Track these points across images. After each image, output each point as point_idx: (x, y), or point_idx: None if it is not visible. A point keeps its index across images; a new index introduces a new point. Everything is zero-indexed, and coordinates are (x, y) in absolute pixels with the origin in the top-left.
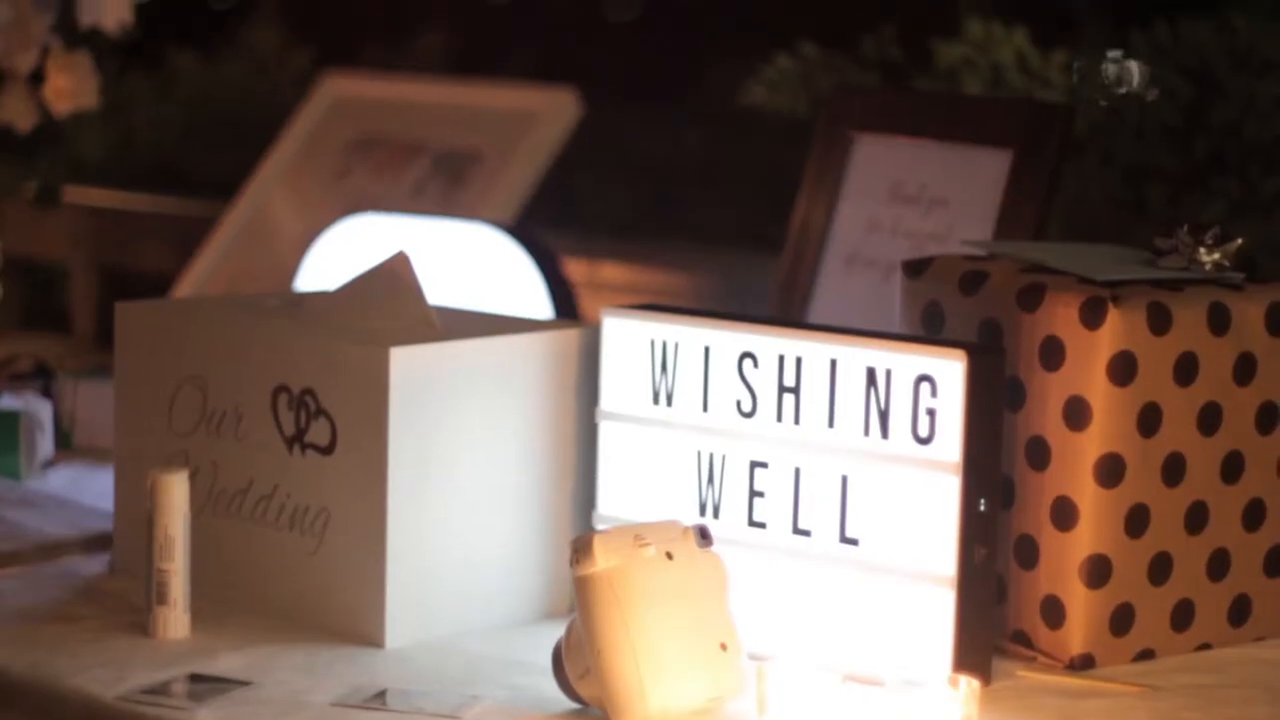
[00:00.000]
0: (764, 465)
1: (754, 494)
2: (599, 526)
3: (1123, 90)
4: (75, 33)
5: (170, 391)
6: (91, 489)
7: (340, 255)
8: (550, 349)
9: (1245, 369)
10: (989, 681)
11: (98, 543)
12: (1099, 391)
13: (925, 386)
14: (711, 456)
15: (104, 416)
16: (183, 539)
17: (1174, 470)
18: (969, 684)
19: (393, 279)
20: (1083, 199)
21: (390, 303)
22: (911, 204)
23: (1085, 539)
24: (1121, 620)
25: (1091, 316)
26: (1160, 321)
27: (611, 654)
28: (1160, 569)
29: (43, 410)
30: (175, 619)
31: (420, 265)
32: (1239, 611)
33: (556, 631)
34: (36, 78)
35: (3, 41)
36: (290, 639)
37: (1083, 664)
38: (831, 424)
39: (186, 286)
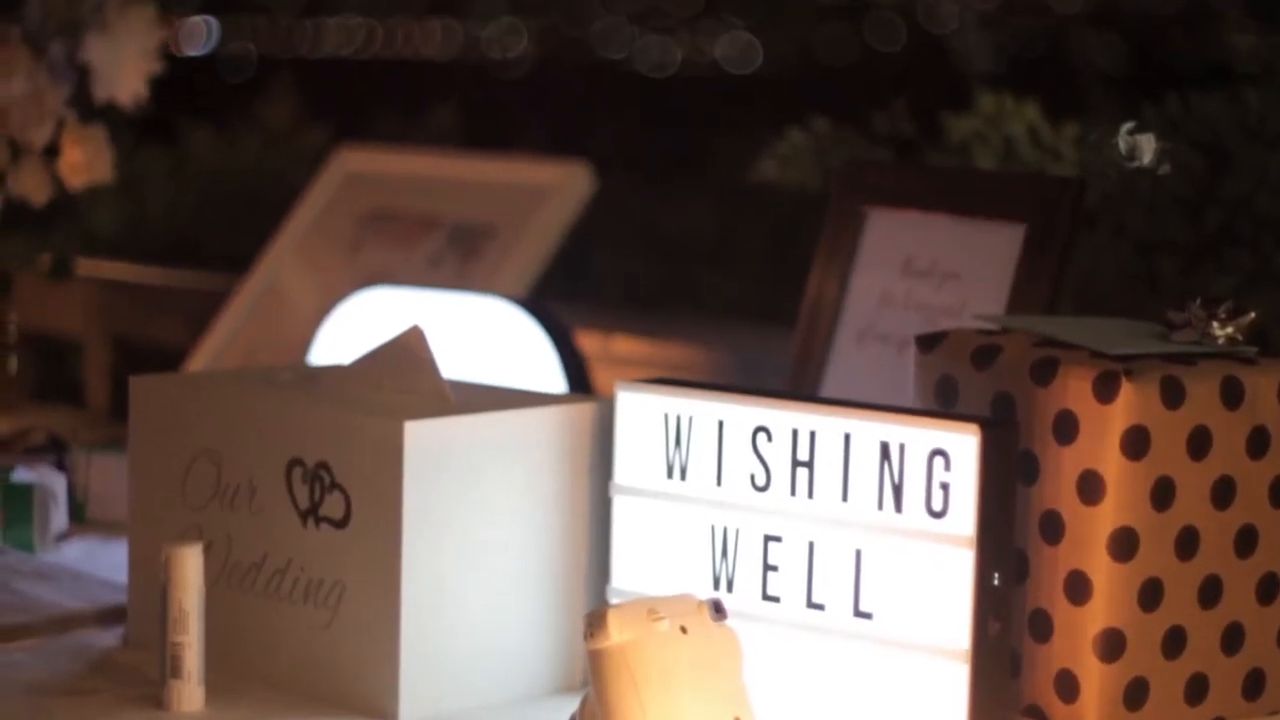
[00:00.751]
0: (778, 539)
1: (768, 568)
2: (613, 600)
3: (1135, 163)
4: (90, 107)
5: (184, 465)
6: (105, 562)
7: (354, 329)
8: (564, 423)
9: (1259, 443)
10: None
11: (111, 616)
12: (1112, 465)
13: (939, 460)
14: (725, 530)
15: (118, 489)
16: (197, 612)
17: (1188, 544)
18: None
19: (407, 353)
20: (1095, 272)
21: (405, 377)
22: (924, 278)
23: (1099, 613)
24: (1136, 694)
25: (1105, 390)
26: (1173, 395)
27: None
28: (1174, 643)
29: (57, 483)
30: (189, 692)
31: (434, 339)
32: (1254, 685)
33: (570, 705)
34: (51, 151)
35: (18, 115)
36: (304, 712)
37: None
38: (845, 498)
39: (200, 360)
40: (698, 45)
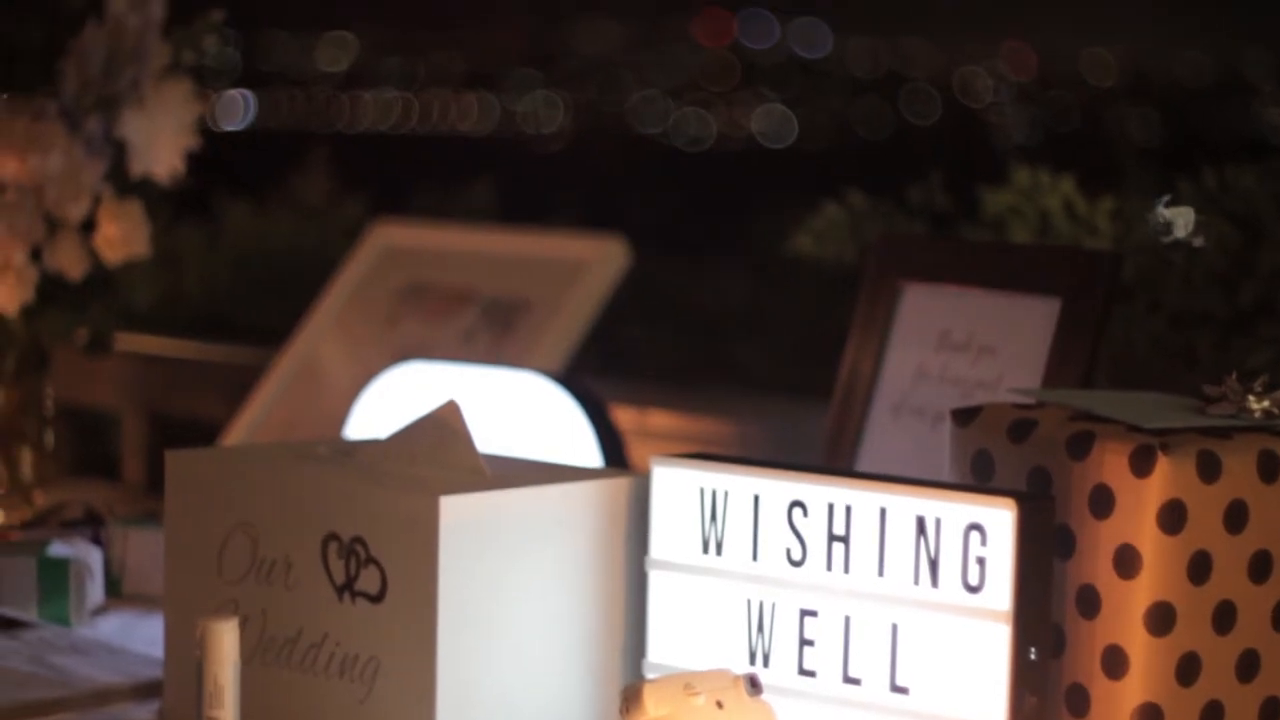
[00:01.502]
0: (814, 614)
1: (804, 642)
2: (649, 675)
3: (1170, 237)
4: (127, 181)
5: (220, 539)
6: (141, 636)
7: (390, 403)
8: (600, 497)
9: None
10: None
11: (147, 690)
12: (1149, 539)
13: (975, 535)
14: (761, 605)
15: (154, 563)
16: (232, 687)
17: (1225, 618)
18: None
19: (442, 428)
20: (1130, 346)
21: (440, 451)
22: (960, 352)
23: (1136, 688)
24: None
25: (1141, 465)
26: (1210, 469)
27: None
28: (1212, 717)
29: (93, 557)
30: None
31: (469, 414)
32: None
33: None
34: (88, 226)
35: (54, 190)
36: None
37: None
38: (881, 572)
39: (237, 434)
40: (734, 119)
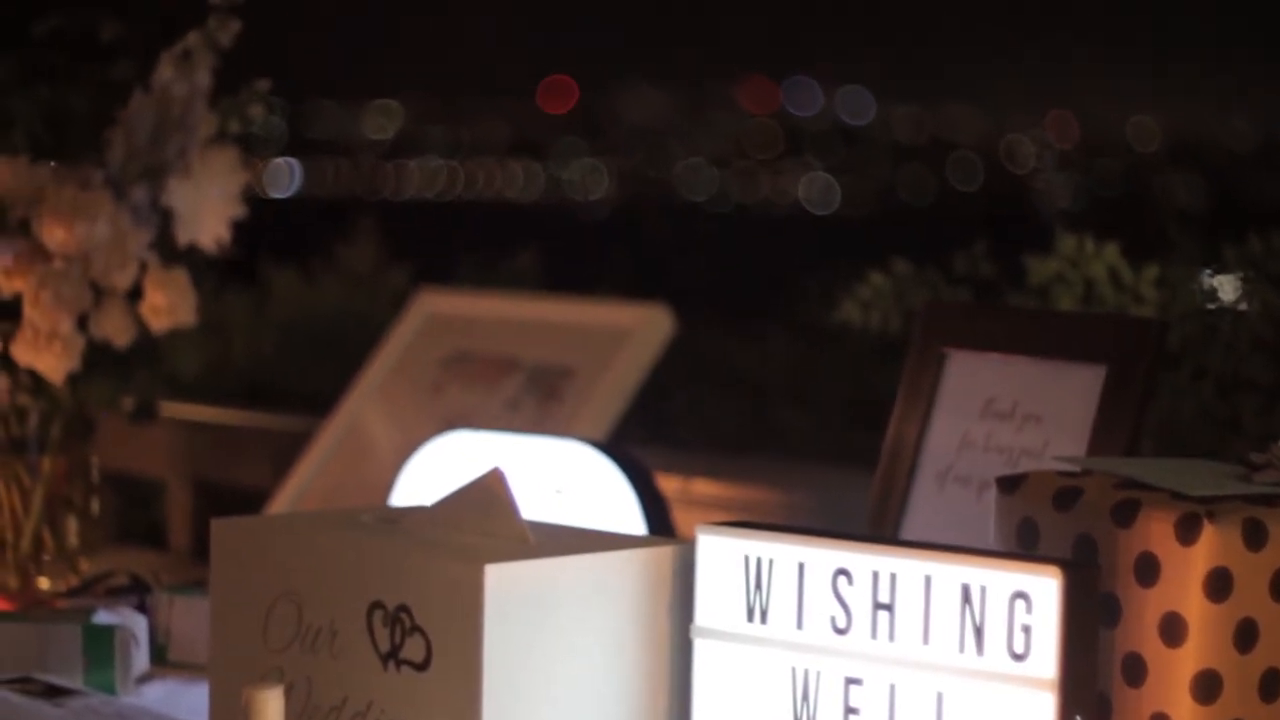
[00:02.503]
0: (859, 682)
1: (849, 710)
2: None
3: (1215, 303)
4: (173, 250)
5: (265, 607)
6: (186, 704)
7: (435, 472)
8: (645, 565)
9: None
10: None
11: None
12: (1195, 607)
13: (1020, 603)
14: (806, 673)
15: (199, 631)
16: None
17: (1271, 686)
18: None
19: (487, 496)
20: (1176, 413)
21: (485, 519)
22: (1005, 420)
23: None
24: None
25: (1186, 532)
26: (1256, 537)
27: None
28: None
29: (138, 625)
30: None
31: (514, 482)
32: None
33: None
34: (134, 294)
35: (101, 258)
36: None
37: None
38: (926, 640)
39: (282, 502)
40: (779, 186)
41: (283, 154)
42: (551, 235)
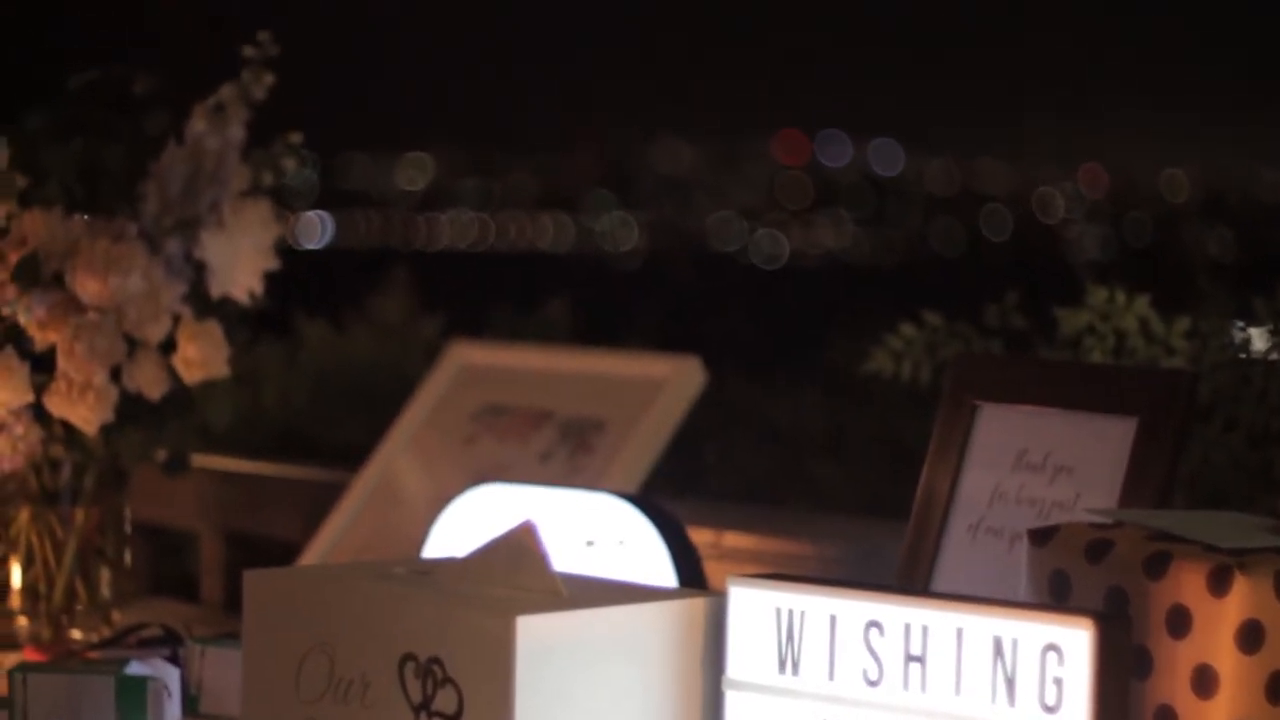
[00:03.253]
0: None
1: None
2: None
3: (1246, 354)
4: (206, 302)
5: (298, 659)
6: None
7: (467, 524)
8: (677, 617)
9: None
10: None
11: None
12: (1227, 659)
13: (1052, 655)
14: None
15: (231, 683)
16: None
17: None
18: None
19: (519, 549)
20: (1207, 465)
21: (517, 572)
22: (1036, 472)
23: None
24: None
25: (1218, 584)
26: None
27: None
28: None
29: (170, 676)
30: None
31: (546, 534)
32: None
33: None
34: (167, 346)
35: (134, 310)
36: None
37: None
38: (958, 693)
39: (314, 553)
40: (810, 237)
41: (314, 207)
42: (582, 285)
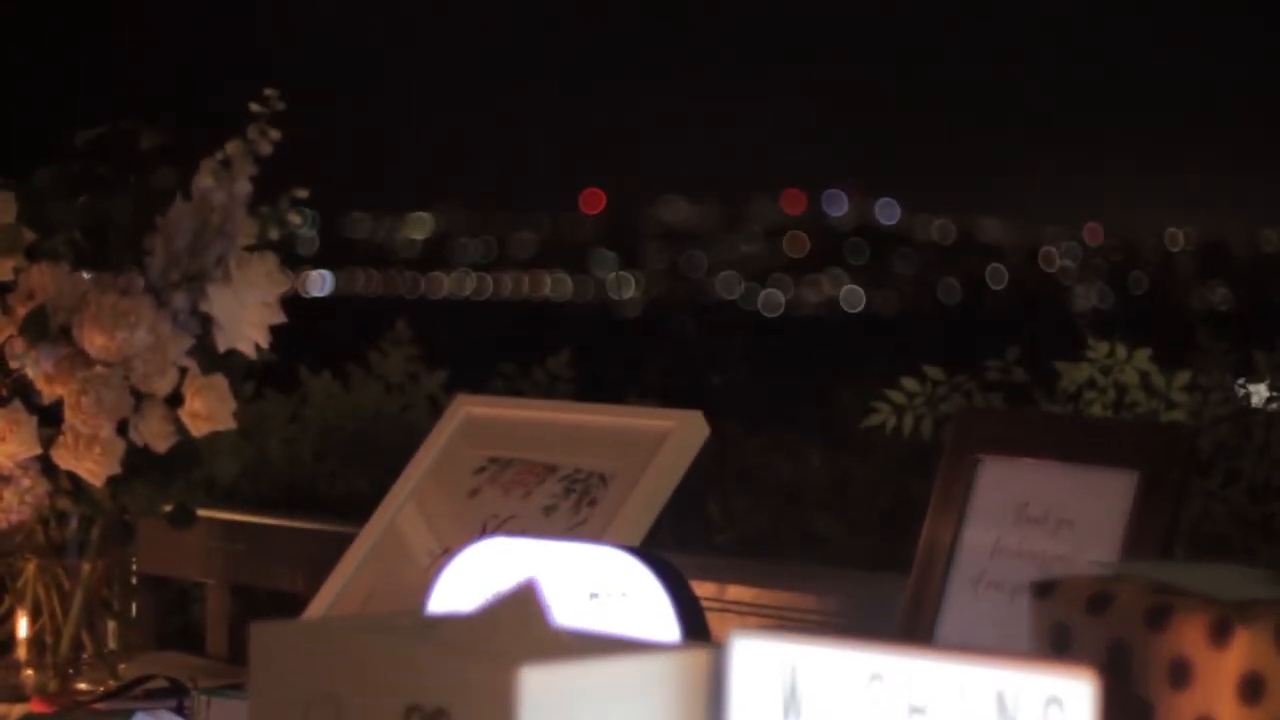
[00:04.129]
0: None
1: None
2: None
3: (1247, 399)
4: (213, 356)
5: (303, 710)
6: None
7: (471, 577)
8: (680, 670)
9: None
10: None
11: None
12: (1228, 711)
13: (1054, 708)
14: None
15: None
16: None
17: None
18: None
19: (522, 604)
20: (1208, 517)
21: (520, 626)
22: (1038, 525)
23: None
24: None
25: (1219, 637)
26: None
27: None
28: None
29: None
30: None
31: (549, 589)
32: None
33: None
34: (174, 399)
35: (141, 364)
36: None
37: None
38: None
39: (318, 605)
40: (812, 290)
41: (316, 265)
42: (585, 336)
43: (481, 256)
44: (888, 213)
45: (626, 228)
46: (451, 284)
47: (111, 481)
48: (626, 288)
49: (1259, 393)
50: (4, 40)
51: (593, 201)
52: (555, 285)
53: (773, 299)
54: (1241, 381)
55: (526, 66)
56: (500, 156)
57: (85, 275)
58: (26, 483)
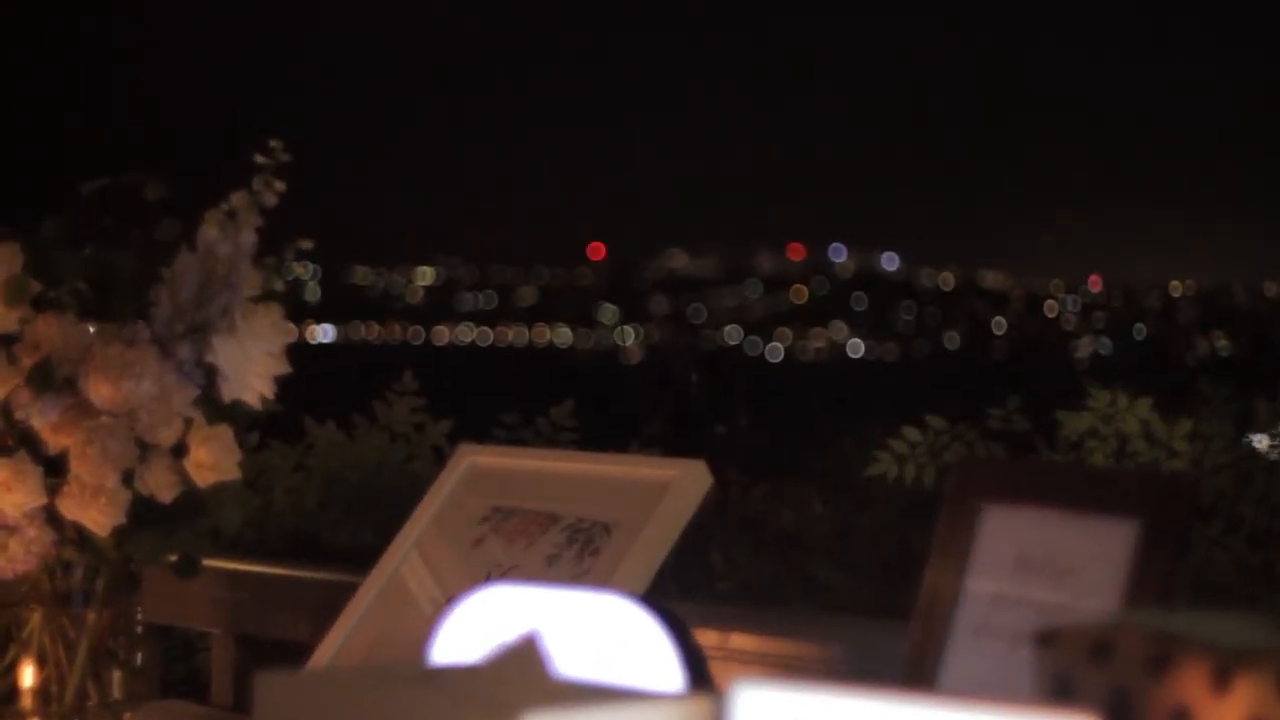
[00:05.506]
0: None
1: None
2: None
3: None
4: (218, 406)
5: None
6: None
7: (474, 625)
8: (683, 719)
9: None
10: None
11: None
12: None
13: None
14: None
15: None
16: None
17: None
18: None
19: (525, 656)
20: (1210, 565)
21: (523, 677)
22: (1039, 573)
23: None
24: None
25: (1220, 684)
26: None
27: None
28: None
29: None
30: None
31: (551, 641)
32: None
33: None
34: (179, 449)
35: (146, 415)
36: None
37: None
38: None
39: (323, 655)
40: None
41: (319, 318)
42: (589, 390)
43: (484, 307)
44: (889, 262)
45: (628, 279)
46: (454, 337)
47: (117, 531)
48: (629, 338)
49: (1260, 441)
50: (10, 91)
51: (595, 254)
52: (556, 335)
53: (775, 349)
54: (1248, 438)
55: (529, 121)
56: (502, 210)
57: (90, 326)
58: (32, 532)
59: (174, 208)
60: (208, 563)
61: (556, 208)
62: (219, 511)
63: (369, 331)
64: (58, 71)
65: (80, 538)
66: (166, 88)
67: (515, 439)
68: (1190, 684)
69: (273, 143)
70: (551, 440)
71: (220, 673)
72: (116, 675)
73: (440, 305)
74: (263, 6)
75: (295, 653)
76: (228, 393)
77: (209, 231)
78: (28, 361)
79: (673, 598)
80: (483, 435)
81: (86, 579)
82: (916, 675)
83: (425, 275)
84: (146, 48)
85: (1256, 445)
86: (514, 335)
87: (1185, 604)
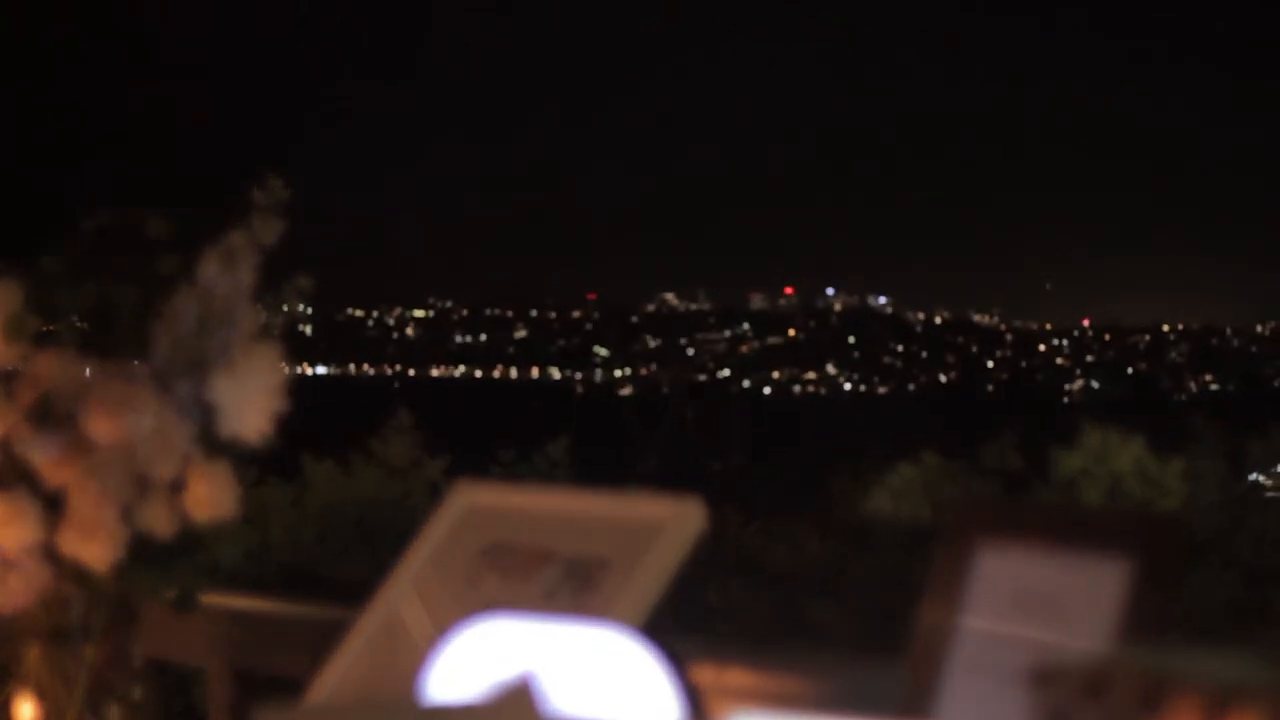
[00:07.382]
0: None
1: None
2: None
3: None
4: (216, 442)
5: None
6: None
7: (469, 660)
8: None
9: None
10: None
11: None
12: None
13: None
14: None
15: None
16: None
17: None
18: None
19: (520, 696)
20: (1203, 601)
21: (518, 716)
22: (1033, 611)
23: None
24: None
25: None
26: None
27: None
28: None
29: None
30: None
31: (548, 674)
32: None
33: None
34: (177, 485)
35: (145, 450)
36: None
37: None
38: None
39: (319, 690)
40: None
41: (313, 360)
42: (585, 428)
43: (476, 350)
44: (881, 303)
45: (620, 322)
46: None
47: (115, 567)
48: (621, 377)
49: (1254, 479)
50: (11, 126)
51: (586, 301)
52: (543, 376)
53: (769, 387)
54: (1253, 476)
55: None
56: (497, 252)
57: (90, 362)
58: (31, 568)
59: (174, 244)
60: (205, 598)
61: (554, 253)
62: (217, 547)
63: (358, 372)
64: (61, 108)
65: (79, 573)
66: (170, 127)
67: (511, 475)
68: None
69: (272, 181)
70: (547, 476)
71: (217, 707)
72: (114, 710)
73: (433, 348)
74: (268, 53)
75: (292, 688)
76: (226, 428)
77: (208, 269)
78: (28, 398)
79: (668, 633)
80: (479, 470)
81: (85, 614)
82: (912, 712)
83: (417, 321)
84: (149, 86)
85: (1263, 482)
86: (503, 375)
87: (1179, 641)
